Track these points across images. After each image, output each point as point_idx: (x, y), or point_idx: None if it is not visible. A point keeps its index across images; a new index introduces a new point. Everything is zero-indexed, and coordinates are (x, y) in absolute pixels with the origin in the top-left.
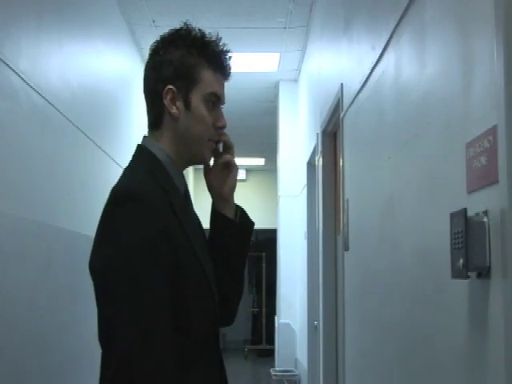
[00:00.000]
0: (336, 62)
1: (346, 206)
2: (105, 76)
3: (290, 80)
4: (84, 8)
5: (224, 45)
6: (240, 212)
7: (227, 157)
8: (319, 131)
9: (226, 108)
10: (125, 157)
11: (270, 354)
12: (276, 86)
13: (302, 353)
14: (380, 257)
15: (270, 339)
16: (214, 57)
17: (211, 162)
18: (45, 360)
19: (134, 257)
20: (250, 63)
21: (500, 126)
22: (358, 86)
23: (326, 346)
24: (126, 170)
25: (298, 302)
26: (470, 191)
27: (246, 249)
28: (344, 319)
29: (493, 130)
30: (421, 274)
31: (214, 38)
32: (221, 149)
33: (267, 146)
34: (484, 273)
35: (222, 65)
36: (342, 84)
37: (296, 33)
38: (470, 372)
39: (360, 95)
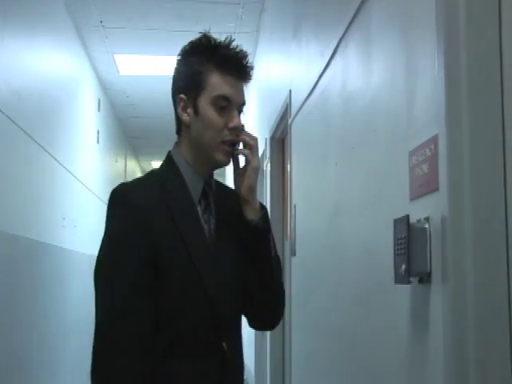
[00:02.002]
0: (285, 69)
1: (293, 212)
2: (50, 76)
3: None
4: (28, 7)
5: (237, 46)
6: (263, 213)
7: (242, 150)
8: (268, 137)
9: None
10: (69, 158)
11: None
12: None
13: (249, 357)
14: (326, 262)
15: None
16: (221, 60)
17: (241, 165)
18: None
19: (112, 249)
20: None
21: (441, 135)
22: (305, 93)
23: (272, 350)
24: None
25: None
26: (413, 198)
27: (264, 249)
28: (290, 323)
29: (434, 139)
30: (365, 278)
31: (225, 42)
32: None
33: None
34: (425, 278)
35: (232, 67)
36: (290, 90)
37: (245, 38)
38: (411, 372)
39: (308, 102)
